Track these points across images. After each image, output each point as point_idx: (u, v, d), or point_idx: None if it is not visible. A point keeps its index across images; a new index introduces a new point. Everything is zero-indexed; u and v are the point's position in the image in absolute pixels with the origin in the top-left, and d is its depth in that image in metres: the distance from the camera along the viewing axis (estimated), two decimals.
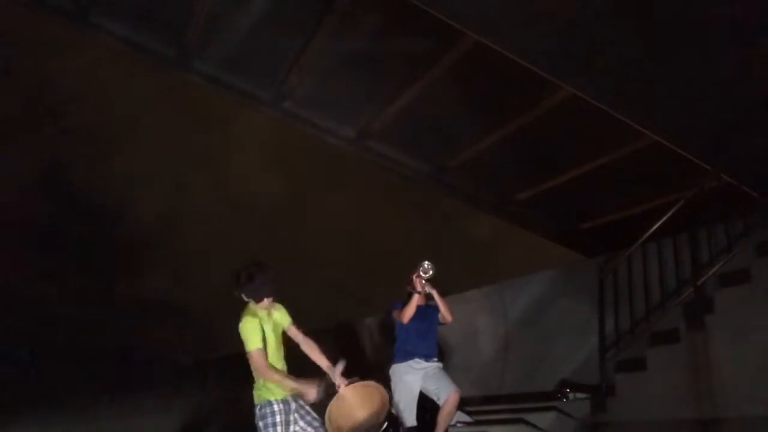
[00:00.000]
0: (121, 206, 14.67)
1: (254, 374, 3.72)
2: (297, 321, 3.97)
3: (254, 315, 3.70)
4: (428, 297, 5.03)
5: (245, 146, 13.88)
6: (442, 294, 4.99)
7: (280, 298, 3.90)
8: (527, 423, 5.36)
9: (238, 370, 4.14)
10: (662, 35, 3.98)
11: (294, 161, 13.19)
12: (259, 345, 3.61)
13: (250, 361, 3.65)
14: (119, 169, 14.26)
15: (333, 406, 3.61)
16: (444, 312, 4.97)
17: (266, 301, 3.75)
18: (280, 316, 3.89)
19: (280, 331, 3.87)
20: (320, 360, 3.85)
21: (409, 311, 4.83)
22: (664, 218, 5.51)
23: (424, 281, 4.87)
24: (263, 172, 14.00)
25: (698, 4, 3.75)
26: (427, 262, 4.85)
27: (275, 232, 13.44)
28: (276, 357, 3.77)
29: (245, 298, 3.76)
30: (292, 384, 3.64)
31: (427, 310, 5.03)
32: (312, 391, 3.62)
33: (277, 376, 3.62)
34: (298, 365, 3.91)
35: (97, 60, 10.87)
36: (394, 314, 4.98)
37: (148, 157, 14.03)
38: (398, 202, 12.62)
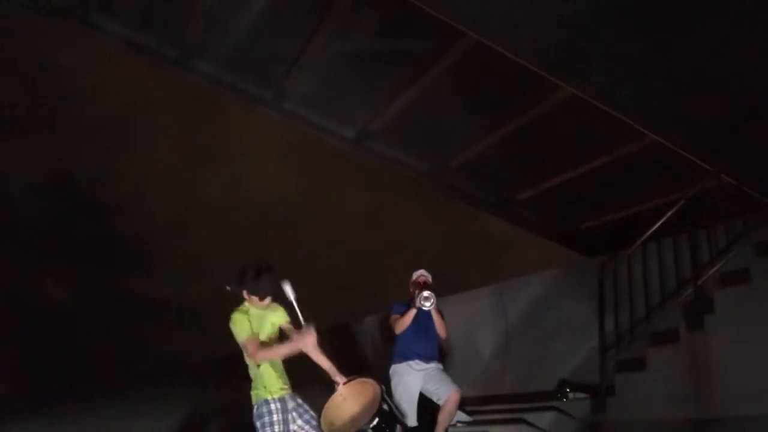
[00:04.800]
0: (126, 206, 14.69)
1: (249, 370, 3.72)
2: (304, 319, 3.93)
3: (245, 313, 3.68)
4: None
5: (254, 146, 13.90)
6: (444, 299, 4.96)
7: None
8: (527, 423, 5.36)
9: (237, 371, 4.13)
10: (662, 35, 3.99)
11: (302, 160, 13.21)
12: (249, 333, 3.59)
13: (245, 351, 3.65)
14: (126, 169, 14.29)
15: (328, 402, 3.65)
16: (440, 330, 4.96)
17: (267, 300, 3.75)
18: (277, 317, 3.88)
19: (276, 332, 3.86)
20: (320, 359, 3.85)
21: (404, 324, 4.82)
22: (664, 218, 5.50)
23: (423, 307, 4.78)
24: (271, 171, 14.02)
25: (698, 3, 3.75)
26: (427, 292, 4.73)
27: (281, 231, 13.45)
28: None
29: (246, 295, 3.74)
30: (286, 349, 3.62)
31: (427, 313, 5.02)
32: (307, 338, 3.55)
33: (270, 353, 3.62)
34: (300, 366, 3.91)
35: (107, 58, 10.87)
36: (391, 320, 4.98)
37: (156, 156, 14.05)
38: (405, 201, 12.63)
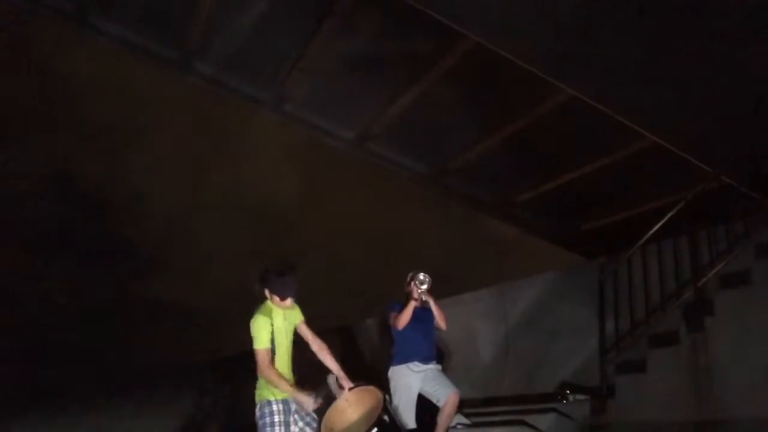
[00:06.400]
0: (127, 206, 14.70)
1: (257, 372, 3.74)
2: (307, 321, 3.98)
3: (267, 314, 3.73)
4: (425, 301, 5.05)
5: (255, 148, 13.90)
6: (440, 296, 4.97)
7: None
8: (527, 425, 5.36)
9: (239, 371, 4.14)
10: (662, 37, 3.99)
11: (303, 162, 13.21)
12: (267, 345, 3.66)
13: (255, 358, 3.68)
14: (126, 170, 14.29)
15: (331, 408, 3.65)
16: (439, 320, 4.98)
17: (288, 301, 3.79)
18: (294, 315, 3.92)
19: (293, 331, 3.90)
20: (329, 361, 3.86)
21: (404, 318, 4.83)
22: (664, 220, 5.50)
23: (420, 291, 4.86)
24: (272, 173, 14.02)
25: (698, 6, 3.76)
26: (422, 274, 4.83)
27: (282, 233, 13.44)
28: (284, 357, 3.79)
29: (268, 294, 3.78)
30: (288, 390, 3.66)
31: (425, 313, 5.01)
32: (308, 402, 3.63)
33: (275, 378, 3.65)
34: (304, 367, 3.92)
35: (107, 59, 10.88)
36: (390, 318, 4.98)
37: (157, 157, 14.05)
38: (406, 202, 12.62)
